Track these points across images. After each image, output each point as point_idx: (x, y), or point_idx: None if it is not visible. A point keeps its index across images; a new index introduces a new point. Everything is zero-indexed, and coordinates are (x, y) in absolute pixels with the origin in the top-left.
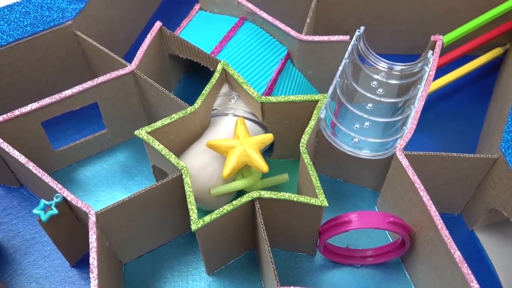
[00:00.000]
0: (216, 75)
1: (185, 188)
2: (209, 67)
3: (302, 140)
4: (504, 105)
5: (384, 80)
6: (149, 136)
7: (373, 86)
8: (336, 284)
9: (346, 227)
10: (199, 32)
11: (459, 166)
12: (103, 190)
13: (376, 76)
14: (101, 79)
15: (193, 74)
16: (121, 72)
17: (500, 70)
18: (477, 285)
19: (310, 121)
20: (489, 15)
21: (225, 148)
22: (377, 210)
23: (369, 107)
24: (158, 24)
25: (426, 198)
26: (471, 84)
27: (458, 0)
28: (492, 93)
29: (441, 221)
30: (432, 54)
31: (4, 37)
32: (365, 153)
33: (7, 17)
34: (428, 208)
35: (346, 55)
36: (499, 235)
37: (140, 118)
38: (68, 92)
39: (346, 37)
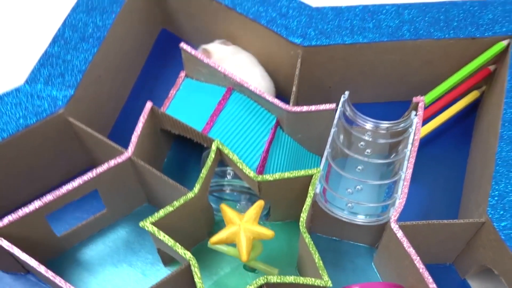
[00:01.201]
0: (212, 155)
1: (194, 277)
2: (203, 144)
3: (301, 219)
4: (486, 159)
5: (371, 140)
6: (154, 228)
7: (361, 147)
8: None
9: None
10: (188, 103)
11: (450, 230)
12: (108, 269)
13: (363, 137)
14: (100, 169)
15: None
16: (119, 160)
17: (478, 111)
18: None
19: (307, 199)
20: (466, 71)
21: (228, 220)
22: (374, 267)
23: (359, 169)
24: (149, 105)
25: (422, 269)
26: (451, 127)
27: (434, 54)
28: (472, 136)
29: (435, 286)
30: (416, 115)
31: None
32: (360, 219)
33: (5, 110)
34: (425, 279)
35: (335, 122)
36: (491, 282)
37: (138, 194)
38: (69, 187)
39: (333, 105)
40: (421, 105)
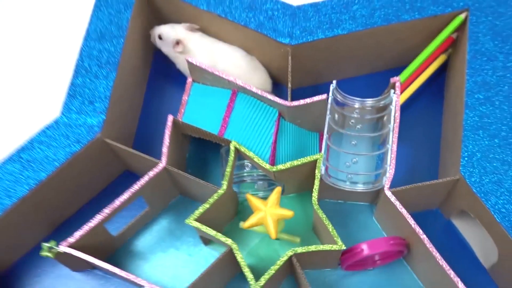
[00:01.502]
0: (232, 154)
1: (237, 258)
2: (221, 144)
3: (313, 198)
4: (455, 124)
5: (359, 116)
6: (197, 223)
7: (352, 124)
8: (360, 282)
9: (361, 255)
10: (200, 108)
11: (433, 188)
12: (158, 255)
13: (353, 115)
14: (142, 181)
15: None
16: (156, 171)
17: (447, 71)
18: (451, 271)
19: (315, 181)
20: (433, 47)
21: (254, 208)
22: (375, 221)
23: (353, 143)
24: (170, 118)
25: (414, 224)
26: (425, 89)
27: (404, 33)
28: (444, 97)
29: (424, 236)
30: (394, 93)
31: (52, 162)
32: (360, 188)
33: (50, 142)
34: (417, 231)
35: (328, 112)
36: (471, 221)
37: (172, 190)
38: (121, 199)
39: (324, 96)
40: (397, 84)
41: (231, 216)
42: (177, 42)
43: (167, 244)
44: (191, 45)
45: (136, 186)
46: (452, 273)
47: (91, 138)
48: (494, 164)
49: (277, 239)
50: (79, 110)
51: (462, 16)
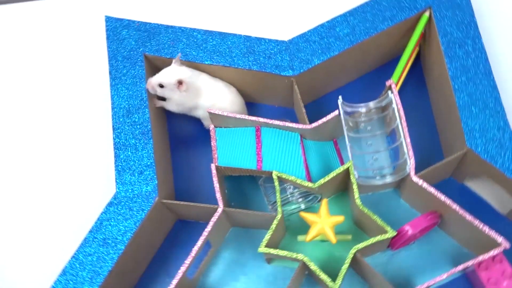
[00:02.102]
0: (276, 183)
1: (312, 268)
2: (258, 175)
3: (357, 201)
4: (449, 106)
5: (367, 119)
6: (269, 249)
7: (362, 127)
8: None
9: (407, 235)
10: (231, 149)
11: (448, 164)
12: (232, 284)
13: (361, 119)
14: (209, 227)
15: None
16: (217, 215)
17: (421, 59)
18: (485, 227)
19: (353, 186)
20: (411, 46)
21: (310, 222)
22: (404, 202)
23: (369, 144)
24: (213, 167)
25: (444, 197)
26: (406, 80)
27: (382, 40)
28: (426, 83)
29: (456, 205)
30: (392, 93)
31: (125, 234)
32: (389, 179)
33: (117, 216)
34: (448, 203)
35: (343, 123)
36: (482, 179)
37: (227, 226)
38: (195, 249)
39: (336, 112)
40: (393, 86)
41: (283, 233)
42: (180, 82)
43: (236, 273)
44: (192, 83)
45: (205, 233)
46: (486, 228)
47: (151, 204)
48: (492, 132)
49: (326, 240)
50: (132, 182)
51: (426, 14)
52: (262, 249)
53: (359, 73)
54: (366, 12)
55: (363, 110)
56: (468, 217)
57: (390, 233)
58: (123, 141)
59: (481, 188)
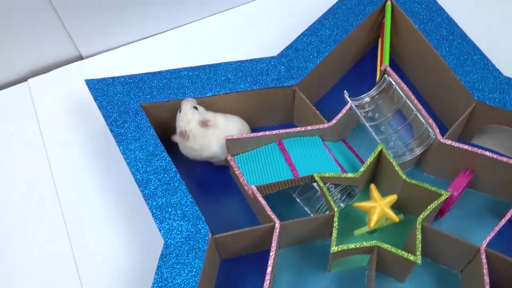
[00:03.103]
0: (321, 184)
1: (388, 249)
2: (301, 183)
3: (402, 176)
4: (442, 76)
5: (374, 106)
6: (341, 246)
7: (370, 116)
8: (448, 225)
9: (453, 197)
10: (259, 170)
11: (463, 120)
12: None
13: (368, 109)
14: (273, 246)
15: None
16: (277, 231)
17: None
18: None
19: (393, 163)
20: (388, 33)
21: (368, 208)
22: (429, 174)
23: (383, 129)
24: (254, 189)
25: (477, 149)
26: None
27: (358, 32)
28: (397, 64)
29: (486, 151)
30: (388, 76)
31: (194, 277)
32: (417, 150)
33: (177, 265)
34: (482, 153)
35: (359, 115)
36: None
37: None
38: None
39: (348, 105)
40: (387, 68)
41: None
42: (203, 123)
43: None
44: (213, 121)
45: (272, 254)
46: None
47: (207, 243)
48: (489, 80)
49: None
50: (181, 230)
51: (389, 3)
52: (334, 248)
53: (342, 72)
54: (337, 13)
55: (367, 99)
56: (505, 159)
57: (445, 194)
58: (150, 187)
59: (490, 141)
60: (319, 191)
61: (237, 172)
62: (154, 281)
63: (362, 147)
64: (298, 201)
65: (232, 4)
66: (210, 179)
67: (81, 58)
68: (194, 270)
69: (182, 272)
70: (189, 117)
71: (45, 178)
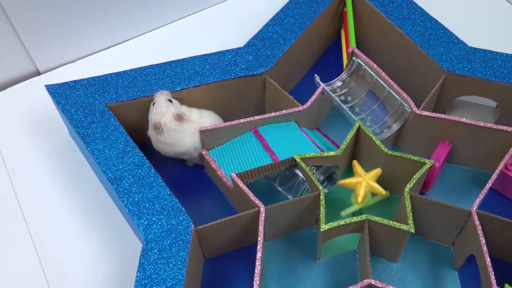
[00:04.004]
0: (302, 165)
1: (380, 221)
2: (282, 167)
3: (384, 150)
4: (404, 46)
5: (346, 90)
6: (332, 223)
7: (342, 99)
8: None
9: (435, 168)
10: (237, 160)
11: (436, 92)
12: None
13: (340, 92)
14: (261, 228)
15: None
16: (263, 215)
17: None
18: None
19: (373, 138)
20: (351, 20)
21: (354, 184)
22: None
23: (357, 110)
24: (234, 176)
25: (454, 117)
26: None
27: (320, 23)
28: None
29: (463, 118)
30: (356, 58)
31: None
32: (395, 126)
33: None
34: (460, 120)
35: (334, 97)
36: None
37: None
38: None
39: (320, 88)
40: (355, 50)
41: None
42: (179, 116)
43: (292, 283)
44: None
45: (260, 238)
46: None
47: (190, 234)
48: (455, 51)
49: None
50: (161, 224)
51: None
52: (324, 226)
53: (309, 63)
54: (298, 3)
55: (339, 83)
56: (482, 124)
57: (429, 162)
58: (127, 186)
59: (463, 112)
60: (300, 177)
61: (213, 166)
62: (136, 279)
63: (337, 135)
64: (280, 190)
65: (192, 10)
66: (185, 179)
67: (38, 73)
68: (180, 263)
69: (167, 266)
70: (163, 110)
71: (7, 195)
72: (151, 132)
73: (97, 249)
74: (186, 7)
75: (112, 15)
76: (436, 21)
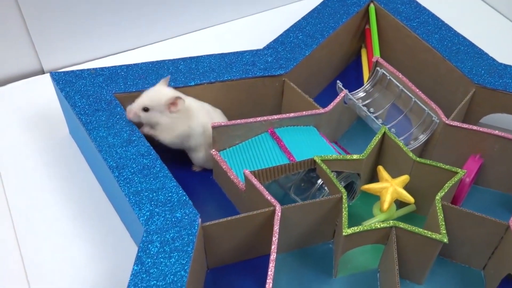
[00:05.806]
0: (323, 167)
1: (408, 228)
2: (300, 170)
3: (413, 157)
4: (430, 60)
5: (370, 101)
6: (356, 227)
7: (365, 110)
8: None
9: (466, 182)
10: (250, 162)
11: (465, 105)
12: None
13: (363, 104)
14: (276, 228)
15: None
16: (278, 214)
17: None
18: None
19: (400, 145)
20: (375, 32)
21: (379, 190)
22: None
23: (380, 122)
24: (247, 172)
25: (489, 130)
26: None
27: (343, 34)
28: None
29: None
30: (381, 69)
31: None
32: (422, 137)
33: None
34: (491, 132)
35: (358, 104)
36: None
37: None
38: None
39: (342, 94)
40: (379, 60)
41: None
42: (174, 102)
43: None
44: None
45: (275, 238)
46: None
47: (196, 228)
48: (485, 66)
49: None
50: (164, 216)
51: (372, 6)
52: (347, 230)
53: (329, 77)
54: (321, 12)
55: (362, 94)
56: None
57: (461, 172)
58: (129, 175)
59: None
60: (317, 184)
61: (224, 167)
62: (132, 272)
63: (356, 151)
64: (295, 197)
65: (208, 24)
66: (191, 185)
67: (42, 72)
68: (183, 258)
69: (168, 261)
70: (166, 90)
71: None
72: (148, 130)
73: (88, 252)
74: (197, 21)
75: (123, 21)
76: (463, 37)
